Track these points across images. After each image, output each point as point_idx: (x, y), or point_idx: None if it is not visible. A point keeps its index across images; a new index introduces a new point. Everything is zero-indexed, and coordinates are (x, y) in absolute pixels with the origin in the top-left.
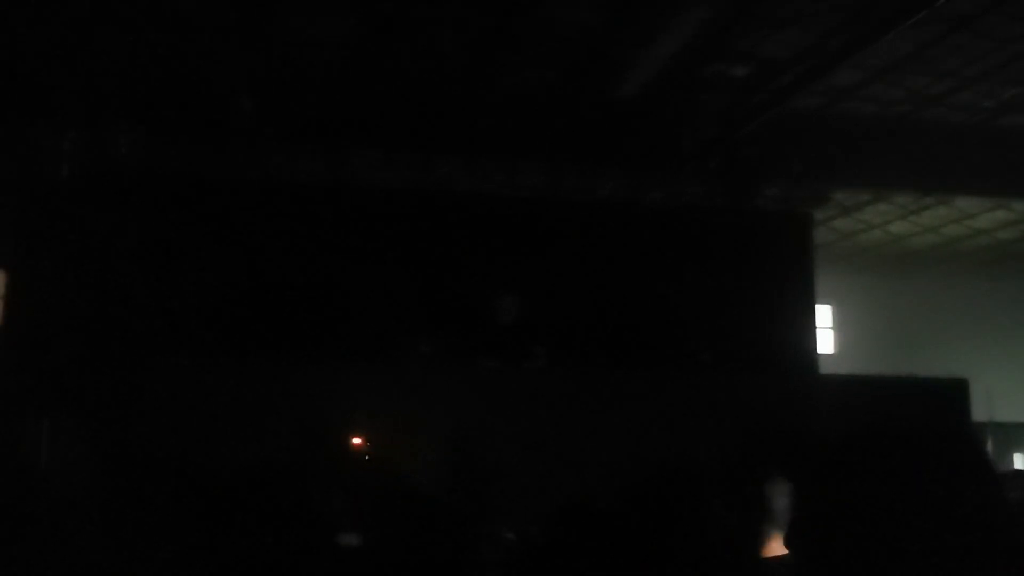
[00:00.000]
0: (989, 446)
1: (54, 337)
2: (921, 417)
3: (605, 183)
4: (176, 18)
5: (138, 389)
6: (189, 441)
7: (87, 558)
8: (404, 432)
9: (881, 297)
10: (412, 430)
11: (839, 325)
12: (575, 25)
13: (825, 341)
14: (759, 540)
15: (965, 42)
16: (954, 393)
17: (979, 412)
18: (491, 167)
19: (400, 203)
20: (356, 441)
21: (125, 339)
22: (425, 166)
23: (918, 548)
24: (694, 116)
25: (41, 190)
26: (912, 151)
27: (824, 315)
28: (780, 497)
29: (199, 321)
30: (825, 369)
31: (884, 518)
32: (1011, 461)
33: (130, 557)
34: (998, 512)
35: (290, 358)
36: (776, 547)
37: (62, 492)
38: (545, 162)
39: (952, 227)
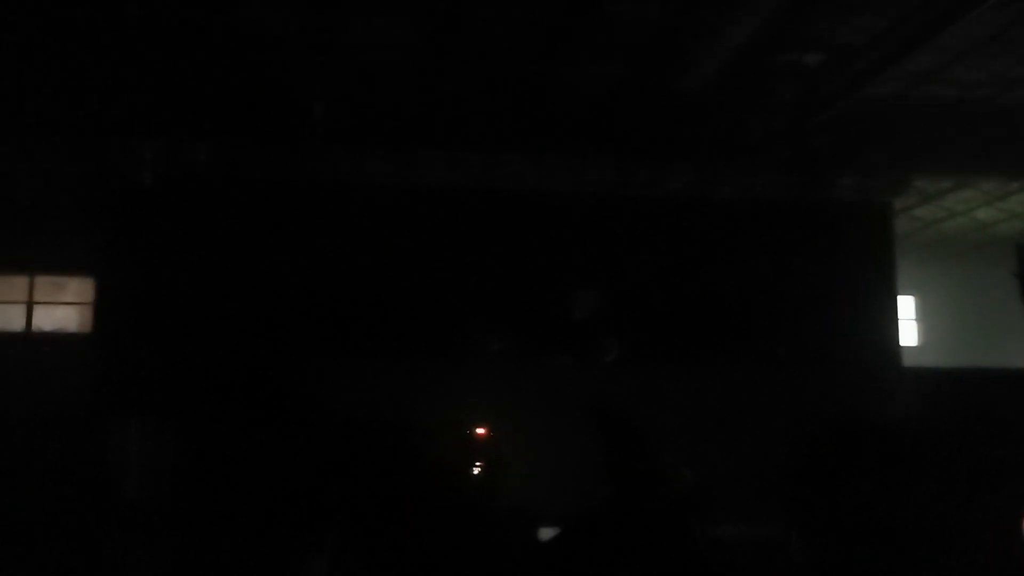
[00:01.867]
0: None
1: (140, 341)
2: (1010, 411)
3: (676, 177)
4: (247, 28)
5: (223, 391)
6: (275, 441)
7: (168, 554)
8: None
9: (967, 286)
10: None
11: (923, 316)
12: (641, 17)
13: (909, 333)
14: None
15: None
16: None
17: None
18: (559, 164)
19: (468, 203)
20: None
21: (208, 341)
22: (493, 165)
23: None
24: (766, 106)
25: (125, 198)
26: (995, 135)
27: (907, 307)
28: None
29: (278, 322)
30: (909, 362)
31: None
32: None
33: (214, 554)
34: None
35: (371, 357)
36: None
37: (149, 492)
38: (614, 157)
39: None
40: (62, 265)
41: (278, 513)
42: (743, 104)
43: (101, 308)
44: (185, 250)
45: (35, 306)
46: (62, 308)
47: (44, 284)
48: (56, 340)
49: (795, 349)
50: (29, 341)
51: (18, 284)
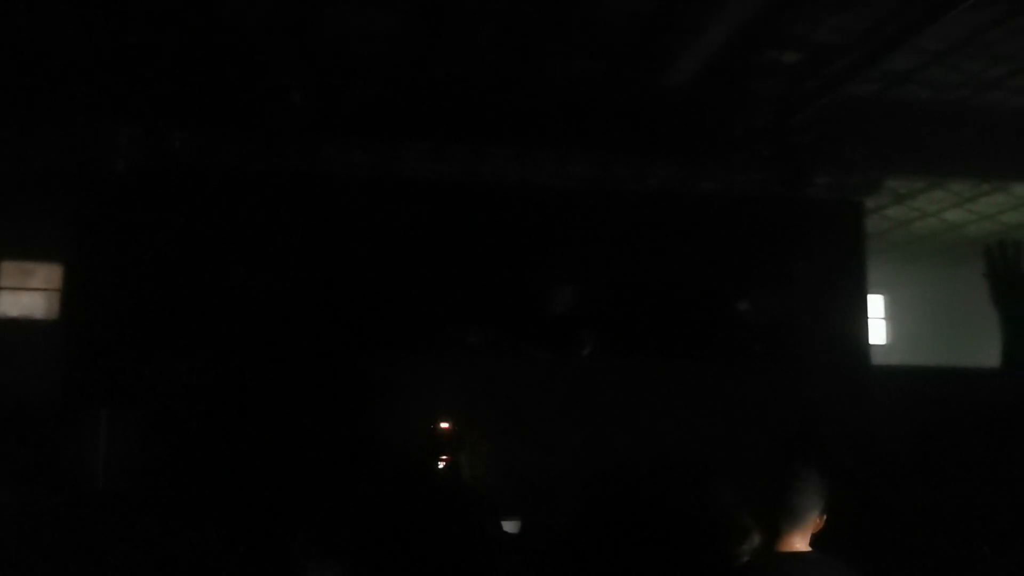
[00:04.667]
0: None
1: (109, 330)
2: (977, 411)
3: (656, 172)
4: (226, 13)
5: (190, 381)
6: (243, 431)
7: (141, 541)
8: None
9: (936, 286)
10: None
11: (892, 315)
12: (624, 13)
13: (877, 332)
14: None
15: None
16: (1012, 386)
17: None
18: (541, 158)
19: (450, 195)
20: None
21: (178, 332)
22: (475, 158)
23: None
24: (746, 104)
25: (97, 185)
26: (968, 137)
27: (876, 305)
28: (823, 490)
29: (250, 314)
30: (877, 360)
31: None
32: None
33: (183, 544)
34: None
35: (342, 350)
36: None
37: (119, 482)
38: (595, 152)
39: (1010, 214)
40: (30, 251)
41: (250, 507)
42: (723, 101)
43: (69, 296)
44: (157, 239)
45: (2, 292)
46: (29, 294)
47: (11, 270)
48: (22, 326)
49: (770, 345)
50: None
51: None
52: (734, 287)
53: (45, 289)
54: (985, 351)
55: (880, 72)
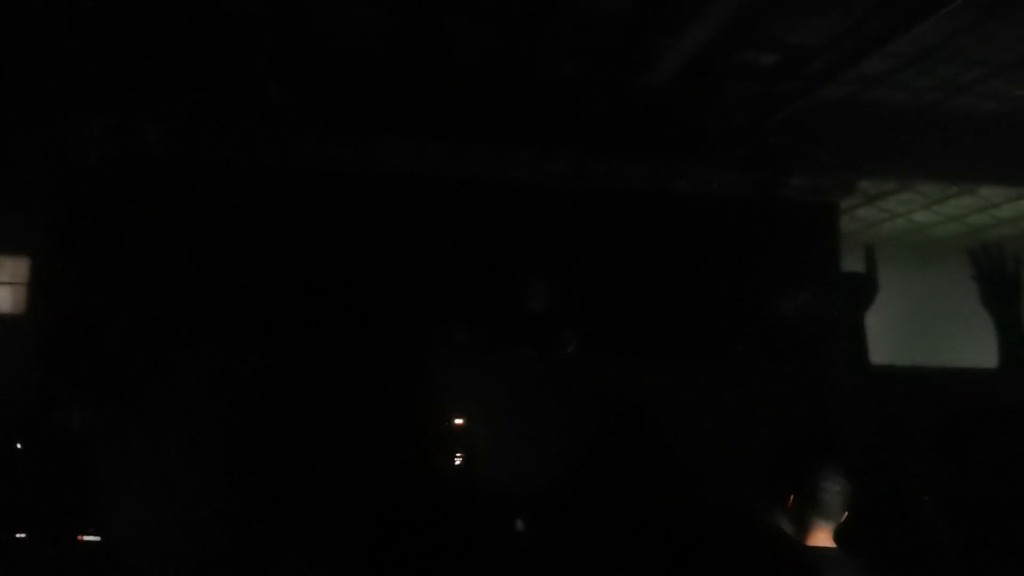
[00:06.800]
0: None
1: (78, 325)
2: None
3: (633, 171)
4: (202, 5)
5: (164, 378)
6: (219, 431)
7: (116, 543)
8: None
9: (903, 287)
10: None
11: None
12: (603, 13)
13: None
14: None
15: (997, 30)
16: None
17: None
18: (519, 155)
19: (428, 191)
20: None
21: (150, 328)
22: (453, 154)
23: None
24: (722, 104)
25: (69, 177)
26: (939, 139)
27: None
28: (824, 489)
29: (227, 310)
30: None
31: (942, 512)
32: None
33: (161, 545)
34: None
35: (320, 348)
36: (823, 539)
37: (91, 480)
38: (573, 150)
39: (976, 216)
40: None
41: (245, 506)
42: (701, 101)
43: (37, 290)
44: (128, 233)
45: None
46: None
47: None
48: None
49: (752, 345)
50: None
51: None
52: (711, 286)
53: (11, 283)
54: (949, 351)
55: (856, 75)
